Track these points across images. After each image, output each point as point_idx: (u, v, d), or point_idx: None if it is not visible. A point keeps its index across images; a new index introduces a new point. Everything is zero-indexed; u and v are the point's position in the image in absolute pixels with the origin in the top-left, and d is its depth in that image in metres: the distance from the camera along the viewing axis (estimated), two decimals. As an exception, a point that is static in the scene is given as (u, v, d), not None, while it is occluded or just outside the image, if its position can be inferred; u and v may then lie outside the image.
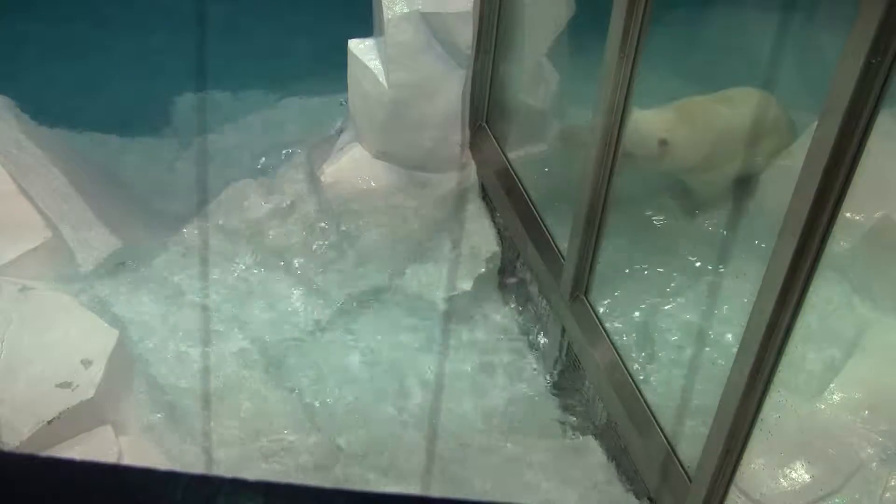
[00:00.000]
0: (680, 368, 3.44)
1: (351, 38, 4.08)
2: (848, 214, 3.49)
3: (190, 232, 4.10)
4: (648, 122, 3.72)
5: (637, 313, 3.65)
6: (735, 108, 3.95)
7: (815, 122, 2.16)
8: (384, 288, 4.02)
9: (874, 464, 3.08)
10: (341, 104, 4.52)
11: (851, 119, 2.06)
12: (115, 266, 3.87)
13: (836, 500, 3.02)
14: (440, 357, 3.89)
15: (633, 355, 3.43)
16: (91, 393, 3.16)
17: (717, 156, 3.88)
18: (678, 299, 3.67)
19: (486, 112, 4.16)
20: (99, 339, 3.34)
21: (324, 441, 3.51)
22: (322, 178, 4.15)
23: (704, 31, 4.60)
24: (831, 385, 3.26)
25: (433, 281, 4.00)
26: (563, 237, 3.58)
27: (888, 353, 3.33)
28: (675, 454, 3.05)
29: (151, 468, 1.01)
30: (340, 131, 4.39)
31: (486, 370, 3.85)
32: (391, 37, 3.83)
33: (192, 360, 3.68)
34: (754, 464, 2.99)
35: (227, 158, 4.60)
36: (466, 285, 4.00)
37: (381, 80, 3.94)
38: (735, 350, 2.56)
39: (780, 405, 3.07)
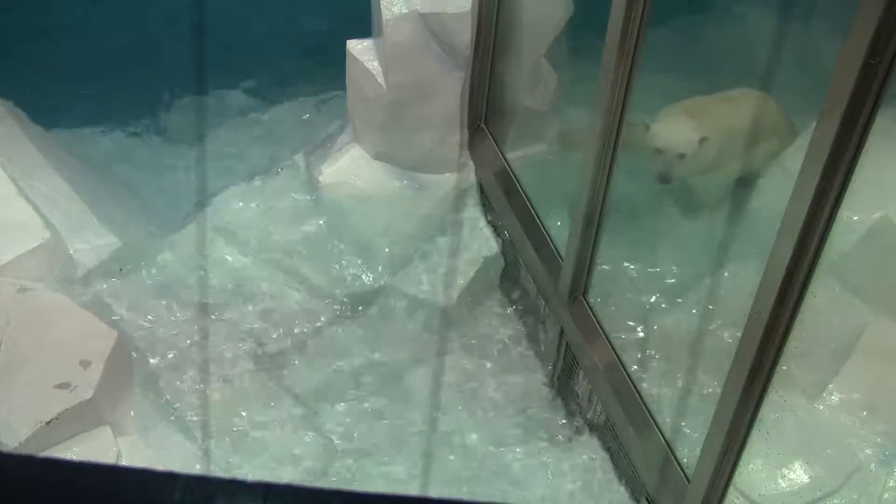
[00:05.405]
0: (678, 369, 3.44)
1: (349, 38, 4.08)
2: (846, 215, 3.49)
3: (188, 233, 4.10)
4: (684, 122, 3.72)
5: (635, 314, 3.65)
6: (736, 108, 3.95)
7: (814, 123, 2.16)
8: (383, 289, 4.02)
9: (873, 464, 3.09)
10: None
11: (850, 120, 2.06)
12: (113, 267, 3.87)
13: (835, 501, 3.03)
14: (438, 357, 3.89)
15: (632, 356, 3.43)
16: (90, 394, 3.16)
17: (720, 156, 3.88)
18: (676, 300, 3.67)
19: (484, 113, 4.15)
20: (97, 340, 3.34)
21: (322, 441, 3.52)
22: (320, 179, 4.14)
23: (703, 31, 4.60)
24: (830, 386, 3.27)
25: (432, 282, 4.00)
26: (562, 238, 3.58)
27: (886, 353, 3.33)
28: (674, 454, 3.05)
29: (150, 469, 1.01)
30: (339, 132, 4.39)
31: (485, 370, 3.85)
32: (389, 37, 3.83)
33: (191, 361, 3.68)
34: (753, 464, 2.99)
35: (226, 159, 4.60)
36: (465, 286, 4.00)
37: (379, 80, 3.94)
38: (733, 350, 2.57)
39: (778, 405, 3.08)
